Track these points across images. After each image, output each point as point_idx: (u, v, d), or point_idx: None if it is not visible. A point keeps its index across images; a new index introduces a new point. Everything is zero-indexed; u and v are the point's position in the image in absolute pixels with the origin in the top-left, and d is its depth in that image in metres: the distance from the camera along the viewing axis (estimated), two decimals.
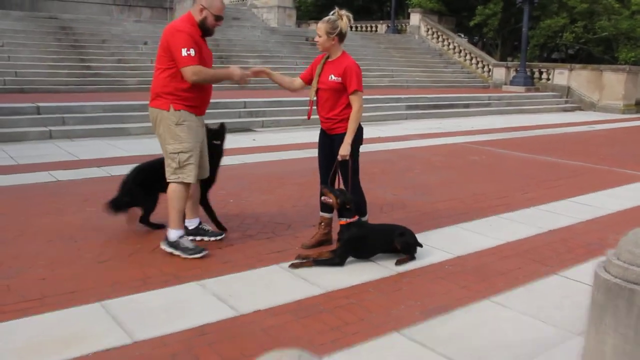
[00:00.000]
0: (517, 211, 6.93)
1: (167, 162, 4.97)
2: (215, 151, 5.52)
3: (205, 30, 4.93)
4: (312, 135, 12.30)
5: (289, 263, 4.90)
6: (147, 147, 10.01)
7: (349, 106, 5.16)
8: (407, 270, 4.91)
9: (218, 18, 4.95)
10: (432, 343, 3.70)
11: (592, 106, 21.02)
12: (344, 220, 4.96)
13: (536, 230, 6.19)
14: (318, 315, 4.01)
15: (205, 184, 5.55)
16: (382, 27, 31.53)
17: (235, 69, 5.03)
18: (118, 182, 5.98)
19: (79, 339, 3.58)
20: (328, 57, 5.25)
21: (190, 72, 4.70)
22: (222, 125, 5.65)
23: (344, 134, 5.17)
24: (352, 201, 5.03)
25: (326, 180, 5.45)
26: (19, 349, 3.46)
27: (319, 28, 5.12)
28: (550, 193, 7.92)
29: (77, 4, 27.70)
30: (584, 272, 5.03)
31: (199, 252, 4.95)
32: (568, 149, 11.99)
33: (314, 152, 10.29)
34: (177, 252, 4.95)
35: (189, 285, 4.42)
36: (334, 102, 5.19)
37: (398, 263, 5.00)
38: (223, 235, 5.48)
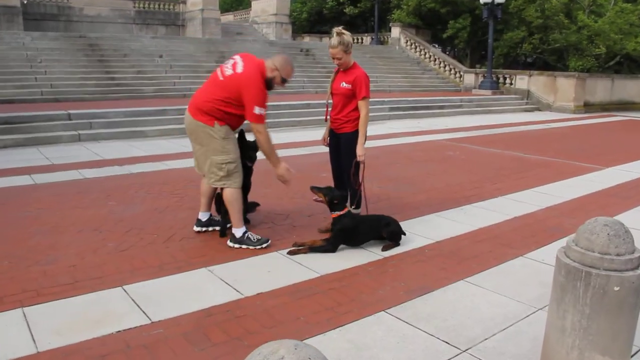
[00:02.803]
0: (488, 200, 6.84)
1: (212, 170, 4.81)
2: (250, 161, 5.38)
3: (270, 86, 4.80)
4: (308, 135, 12.35)
5: (287, 250, 4.81)
6: (161, 147, 9.96)
7: (355, 110, 5.18)
8: (392, 254, 4.82)
9: (284, 81, 4.86)
10: (415, 321, 3.62)
11: (548, 107, 20.92)
12: (335, 214, 4.86)
13: (504, 217, 6.10)
14: (313, 296, 3.92)
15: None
16: (367, 39, 31.35)
17: (284, 168, 4.96)
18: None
19: (106, 319, 3.49)
20: (339, 66, 5.21)
21: (256, 129, 4.66)
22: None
23: (349, 133, 5.22)
24: (340, 196, 4.93)
25: (338, 173, 5.45)
26: (56, 326, 3.39)
27: (336, 52, 5.04)
28: (516, 184, 7.84)
29: (103, 24, 27.52)
30: (546, 254, 4.97)
31: (266, 242, 4.89)
32: (530, 145, 11.90)
33: (310, 150, 10.22)
34: (245, 247, 4.84)
35: (198, 271, 4.31)
36: (343, 106, 5.21)
37: (384, 249, 4.91)
38: (228, 226, 5.37)
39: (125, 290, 3.91)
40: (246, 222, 5.51)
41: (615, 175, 8.71)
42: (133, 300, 3.76)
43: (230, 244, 4.89)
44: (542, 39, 24.60)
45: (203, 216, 5.31)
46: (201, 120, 4.73)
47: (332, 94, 5.33)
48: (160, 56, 17.64)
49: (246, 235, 4.89)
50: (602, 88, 21.79)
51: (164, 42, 19.38)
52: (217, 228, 5.29)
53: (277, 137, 11.41)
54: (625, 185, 8.02)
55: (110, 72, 15.96)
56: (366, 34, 32.09)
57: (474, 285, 4.25)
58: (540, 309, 3.87)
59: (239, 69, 4.66)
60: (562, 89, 20.62)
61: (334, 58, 5.09)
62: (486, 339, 3.43)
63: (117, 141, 10.65)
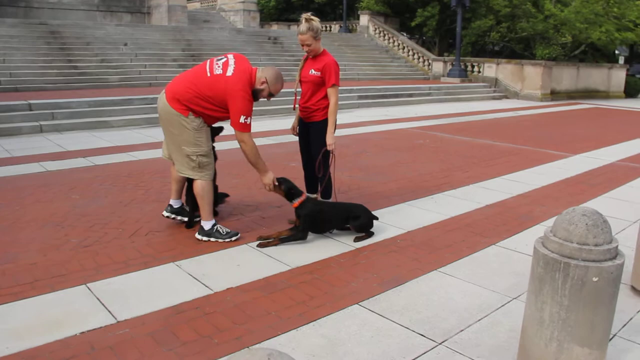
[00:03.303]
0: (458, 188, 6.83)
1: (183, 160, 4.66)
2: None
3: (255, 97, 4.65)
4: (276, 124, 12.22)
5: (256, 243, 4.70)
6: (127, 138, 9.71)
7: (324, 98, 5.08)
8: (363, 245, 4.75)
9: (271, 95, 4.72)
10: (389, 313, 3.56)
11: (516, 95, 21.13)
12: (296, 202, 4.77)
13: (475, 205, 6.09)
14: (285, 290, 3.82)
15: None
16: (335, 27, 31.18)
17: (270, 177, 4.79)
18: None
19: (69, 320, 3.33)
20: (308, 53, 5.08)
21: (241, 138, 4.55)
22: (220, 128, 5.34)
23: (318, 122, 5.12)
24: (290, 184, 4.86)
25: (308, 162, 5.36)
26: (15, 329, 3.21)
27: (305, 39, 4.92)
28: (487, 171, 7.85)
29: (65, 11, 26.70)
30: (518, 242, 4.97)
31: (235, 235, 4.76)
32: (499, 133, 11.96)
33: (278, 139, 10.10)
34: (213, 239, 4.71)
35: (166, 266, 4.17)
36: (312, 94, 5.10)
37: (356, 240, 4.83)
38: (198, 218, 5.22)
39: (89, 288, 3.75)
40: (215, 214, 5.39)
41: (583, 163, 8.80)
42: (97, 298, 3.61)
43: (199, 237, 4.75)
44: (509, 28, 24.83)
45: (175, 203, 5.16)
46: (175, 108, 4.55)
47: (300, 81, 5.20)
48: (125, 44, 17.20)
49: (215, 227, 4.77)
50: (568, 76, 22.10)
51: (128, 30, 18.90)
52: (185, 219, 5.14)
53: None
54: (593, 172, 8.11)
55: (72, 60, 15.50)
56: (334, 22, 31.92)
57: (447, 275, 4.21)
58: (515, 298, 3.85)
59: (229, 71, 4.49)
60: (529, 77, 20.84)
61: (303, 45, 4.98)
62: (462, 330, 3.39)
63: (81, 132, 10.34)
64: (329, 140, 5.02)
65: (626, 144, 10.98)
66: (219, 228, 4.77)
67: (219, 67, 4.55)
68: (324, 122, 5.06)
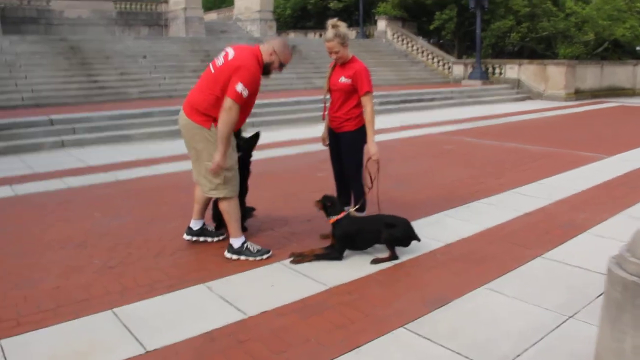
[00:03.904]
0: (494, 196, 6.51)
1: (207, 176, 4.39)
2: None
3: (267, 72, 4.40)
4: (300, 132, 11.97)
5: (290, 259, 4.45)
6: (148, 151, 9.53)
7: (356, 107, 4.82)
8: (402, 261, 4.46)
9: (282, 66, 4.46)
10: (437, 337, 3.27)
11: (539, 95, 20.68)
12: (333, 218, 4.49)
13: (514, 214, 5.77)
14: (323, 313, 3.55)
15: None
16: (352, 33, 30.95)
17: (225, 161, 4.27)
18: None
19: (95, 351, 3.11)
20: (336, 60, 4.85)
21: (228, 105, 4.14)
22: (256, 134, 5.11)
23: (350, 132, 4.87)
24: (332, 198, 4.58)
25: (340, 174, 5.12)
26: None
27: (332, 46, 4.70)
28: (520, 177, 7.51)
29: (84, 26, 26.93)
30: (565, 253, 4.65)
31: (266, 253, 4.51)
32: (527, 135, 11.59)
33: (304, 148, 9.86)
34: (244, 257, 4.46)
35: (195, 289, 3.93)
36: (343, 102, 4.84)
37: (374, 262, 4.39)
38: (224, 236, 4.99)
39: (115, 314, 3.52)
40: (244, 230, 5.15)
41: (620, 164, 8.41)
42: (124, 325, 3.38)
43: (228, 255, 4.51)
44: (529, 28, 24.35)
45: (195, 224, 4.92)
46: (197, 121, 4.32)
47: (329, 90, 4.95)
48: (144, 57, 17.14)
49: (245, 245, 4.52)
50: (591, 75, 21.56)
51: (147, 42, 18.86)
52: (209, 239, 4.90)
53: (268, 136, 11.05)
54: (631, 175, 7.73)
55: (92, 74, 15.45)
56: (351, 28, 31.59)
57: (494, 292, 3.91)
58: (570, 317, 3.54)
59: (231, 57, 4.27)
60: (552, 77, 20.38)
61: (331, 52, 4.73)
62: (518, 356, 3.09)
63: (102, 146, 10.21)
64: (372, 149, 4.76)
65: None
66: (249, 246, 4.52)
67: (220, 59, 4.34)
68: (356, 132, 4.80)
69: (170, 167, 8.13)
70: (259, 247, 4.53)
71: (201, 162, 4.42)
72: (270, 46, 4.35)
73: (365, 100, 4.77)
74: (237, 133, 4.76)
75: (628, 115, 16.17)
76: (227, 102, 4.13)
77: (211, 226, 5.06)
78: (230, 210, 4.48)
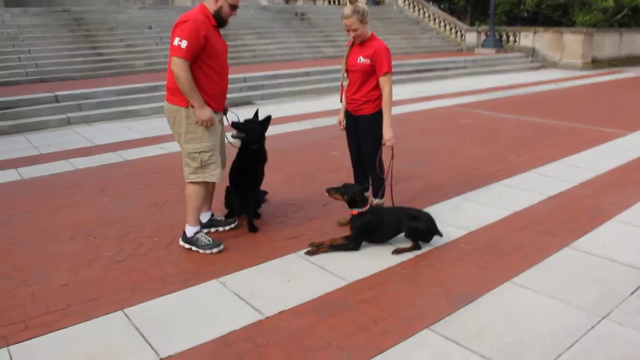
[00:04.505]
0: (515, 177, 6.29)
1: (185, 161, 4.25)
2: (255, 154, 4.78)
3: (220, 20, 4.17)
4: (309, 105, 11.74)
5: (305, 250, 4.28)
6: (155, 128, 9.32)
7: (375, 88, 4.56)
8: (424, 252, 4.29)
9: (233, 7, 4.19)
10: (465, 339, 3.11)
11: (554, 64, 20.22)
12: (356, 210, 4.29)
13: (537, 197, 5.57)
14: (344, 312, 3.40)
15: (248, 183, 4.80)
16: (362, 0, 30.28)
17: (206, 114, 4.07)
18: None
19: (106, 356, 2.98)
20: (354, 39, 4.58)
21: (173, 63, 3.91)
22: (267, 118, 4.80)
23: (368, 115, 4.62)
24: (360, 192, 4.36)
25: (358, 159, 4.88)
26: None
27: (350, 23, 4.41)
28: (541, 155, 7.28)
29: None
30: (593, 243, 4.47)
31: (216, 247, 4.31)
32: (545, 108, 11.27)
33: (314, 123, 9.63)
34: (194, 248, 4.31)
35: (209, 285, 3.78)
36: (361, 84, 4.59)
37: (396, 252, 4.25)
38: (235, 223, 4.83)
39: (126, 315, 3.38)
40: (257, 216, 5.00)
41: None
42: (136, 328, 3.24)
43: (181, 243, 4.38)
44: None
45: (203, 217, 4.75)
46: (173, 102, 4.12)
47: (347, 70, 4.70)
48: (150, 28, 16.79)
49: (197, 236, 4.34)
50: (610, 43, 21.01)
51: (152, 12, 18.47)
52: (220, 229, 4.75)
53: (278, 109, 10.90)
54: None
55: (97, 47, 15.15)
56: None
57: (522, 287, 3.74)
58: (604, 317, 3.37)
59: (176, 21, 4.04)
60: (569, 45, 19.87)
61: (348, 30, 4.47)
62: None
63: (109, 123, 10.02)
64: (387, 135, 4.52)
65: None
66: (200, 237, 4.34)
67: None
68: (375, 115, 4.56)
69: (177, 145, 7.91)
70: (209, 241, 4.33)
71: (181, 144, 4.25)
72: None
73: (383, 81, 4.52)
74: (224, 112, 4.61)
75: None
76: (172, 61, 3.92)
77: (220, 215, 4.90)
78: (193, 197, 4.31)
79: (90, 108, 10.43)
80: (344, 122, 4.89)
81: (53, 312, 3.42)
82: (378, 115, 4.56)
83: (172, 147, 7.81)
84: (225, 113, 4.66)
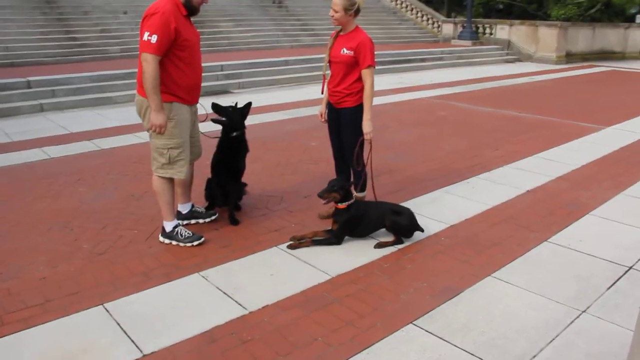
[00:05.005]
0: (493, 171, 6.35)
1: (153, 155, 4.16)
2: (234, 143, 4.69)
3: (191, 9, 4.06)
4: (288, 95, 11.69)
5: (287, 244, 4.26)
6: (132, 116, 8.95)
7: (357, 80, 4.50)
8: (406, 246, 4.30)
9: None
10: (449, 335, 3.14)
11: (529, 57, 20.43)
12: (344, 204, 4.27)
13: (515, 191, 5.63)
14: (329, 307, 3.39)
15: (229, 175, 4.74)
16: None
17: (161, 119, 3.92)
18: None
19: (88, 354, 2.92)
20: (340, 31, 4.53)
21: (143, 58, 3.78)
22: (247, 104, 4.73)
23: (351, 108, 4.57)
24: (350, 183, 4.36)
25: (340, 152, 4.83)
26: None
27: (336, 3, 4.35)
28: (518, 149, 7.36)
29: None
30: (571, 237, 4.55)
31: (197, 240, 4.25)
32: (521, 102, 11.39)
33: (293, 114, 9.57)
34: (175, 243, 4.24)
35: (191, 278, 3.74)
36: (344, 76, 4.53)
37: (378, 246, 4.26)
38: (216, 215, 4.77)
39: (107, 310, 3.32)
40: (237, 209, 4.95)
41: (617, 137, 8.29)
42: (118, 323, 3.19)
43: (161, 239, 4.31)
44: None
45: (183, 208, 4.70)
46: (144, 95, 3.97)
47: (330, 62, 4.66)
48: (125, 12, 16.46)
49: (176, 230, 4.28)
50: (583, 37, 21.29)
51: None
52: (201, 221, 4.69)
53: (256, 97, 10.78)
54: (630, 148, 7.62)
55: (71, 31, 14.80)
56: None
57: (503, 282, 3.78)
58: (584, 311, 3.43)
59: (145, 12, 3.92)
60: (544, 39, 20.09)
61: (332, 9, 4.41)
62: (534, 356, 2.97)
63: (84, 110, 9.81)
64: (366, 128, 4.49)
65: None
66: (180, 231, 4.28)
67: None
68: (358, 108, 4.53)
69: None
70: (189, 234, 4.28)
71: (150, 138, 4.16)
72: None
73: (366, 74, 4.49)
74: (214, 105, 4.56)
75: (621, 81, 16.03)
76: (141, 56, 3.81)
77: (201, 207, 4.85)
78: (161, 192, 4.23)
79: (64, 94, 10.20)
80: (326, 114, 4.86)
81: (31, 307, 3.34)
82: (361, 108, 4.53)
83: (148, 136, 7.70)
84: (213, 103, 4.61)
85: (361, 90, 4.54)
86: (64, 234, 4.45)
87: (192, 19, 4.19)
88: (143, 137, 7.67)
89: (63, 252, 4.10)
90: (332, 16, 4.44)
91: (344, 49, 4.47)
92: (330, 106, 4.79)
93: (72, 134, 7.89)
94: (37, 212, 4.90)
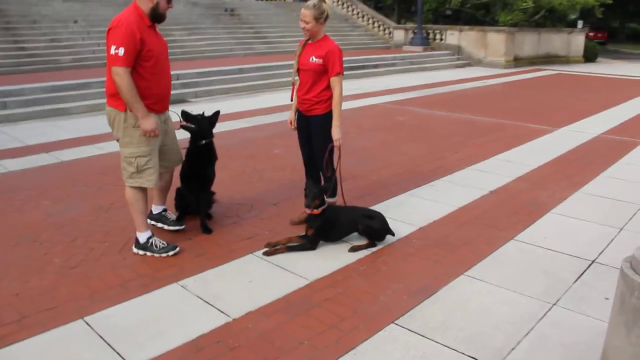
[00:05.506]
0: (455, 173, 6.54)
1: (122, 165, 4.14)
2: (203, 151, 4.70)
3: (157, 17, 4.06)
4: (245, 103, 11.70)
5: (262, 251, 4.30)
6: (89, 127, 9.02)
7: (327, 88, 4.58)
8: (379, 249, 4.40)
9: (169, 0, 4.14)
10: (430, 332, 3.24)
11: (479, 62, 21.03)
12: (318, 210, 4.32)
13: (479, 192, 5.82)
14: (311, 311, 3.45)
15: (199, 183, 4.73)
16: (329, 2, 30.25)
17: (151, 124, 3.98)
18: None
19: None
20: (309, 39, 4.59)
21: (113, 72, 3.81)
22: (215, 113, 4.77)
23: (320, 115, 4.64)
24: (327, 188, 4.45)
25: (310, 159, 4.89)
26: None
27: (305, 15, 4.41)
28: (477, 152, 7.59)
29: None
30: (535, 236, 4.75)
31: (172, 250, 4.23)
32: (474, 105, 11.73)
33: (252, 121, 9.59)
34: (149, 254, 4.21)
35: (170, 288, 3.72)
36: (313, 84, 4.59)
37: (352, 250, 4.35)
38: (183, 227, 4.71)
39: (88, 324, 3.28)
40: (208, 217, 4.95)
41: (568, 137, 8.65)
42: (101, 336, 3.15)
43: (135, 251, 4.28)
44: None
45: (155, 209, 4.71)
46: (112, 105, 4.00)
47: (298, 69, 4.73)
48: (75, 21, 16.13)
49: (150, 241, 4.27)
50: (529, 42, 22.07)
51: (77, 5, 17.70)
52: (165, 227, 4.68)
53: (213, 106, 10.67)
54: (582, 148, 7.96)
55: (19, 41, 14.39)
56: None
57: (476, 280, 3.92)
58: (554, 304, 3.60)
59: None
60: (492, 44, 20.73)
61: (301, 21, 4.49)
62: (513, 349, 3.10)
63: (38, 121, 9.56)
64: (336, 135, 4.58)
65: (602, 115, 10.90)
66: (154, 242, 4.27)
67: None
68: (327, 116, 4.61)
69: (114, 145, 7.64)
70: (164, 244, 4.27)
71: (121, 148, 4.16)
72: None
73: (334, 81, 4.57)
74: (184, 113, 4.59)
75: (566, 84, 16.68)
76: (112, 70, 3.84)
77: (173, 215, 4.82)
78: (133, 202, 4.21)
79: (16, 106, 9.91)
80: (295, 122, 4.92)
81: (6, 325, 3.25)
82: (330, 115, 4.61)
83: (110, 147, 7.56)
84: (183, 111, 4.63)
85: (330, 97, 4.62)
86: (33, 248, 4.35)
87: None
88: (104, 148, 7.59)
89: (34, 266, 4.02)
90: (304, 28, 4.50)
91: (313, 57, 4.55)
92: (299, 113, 4.85)
93: (28, 147, 7.69)
94: (1, 227, 4.77)
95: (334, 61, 4.51)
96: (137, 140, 4.04)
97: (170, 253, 4.22)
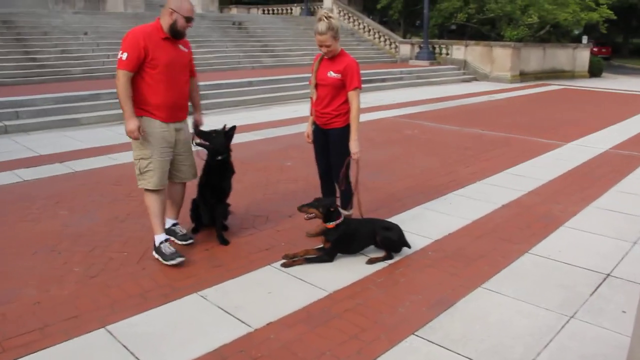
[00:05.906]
0: (467, 187, 6.57)
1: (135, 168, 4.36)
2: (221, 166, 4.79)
3: (176, 33, 4.21)
4: (255, 115, 11.76)
5: (281, 262, 4.32)
6: (101, 137, 9.10)
7: (345, 102, 4.64)
8: (396, 261, 4.42)
9: (188, 19, 4.22)
10: (451, 344, 3.25)
11: (485, 77, 21.11)
12: (332, 224, 4.35)
13: (492, 206, 5.84)
14: (331, 322, 3.47)
15: (215, 196, 4.78)
16: (296, 10, 30.57)
17: (133, 125, 4.08)
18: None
19: None
20: (325, 54, 4.63)
21: (116, 74, 4.08)
22: (232, 128, 4.86)
23: (339, 128, 4.71)
24: (334, 203, 4.47)
25: (326, 172, 4.92)
26: None
27: (324, 39, 4.45)
28: (488, 166, 7.62)
29: None
30: (550, 249, 4.75)
31: (179, 258, 4.25)
32: (483, 120, 11.78)
33: (264, 134, 9.64)
34: (161, 258, 4.30)
35: (190, 298, 3.75)
36: (332, 98, 4.65)
37: (370, 262, 4.37)
38: (192, 241, 4.72)
39: (110, 332, 3.31)
40: (224, 229, 4.98)
41: (578, 152, 8.67)
42: (124, 345, 3.18)
43: (153, 254, 4.37)
44: (477, 9, 24.71)
45: (166, 222, 4.70)
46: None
47: (316, 85, 4.77)
48: (85, 33, 16.29)
49: (161, 245, 4.34)
50: (535, 57, 22.17)
51: (87, 17, 17.91)
52: (176, 242, 4.67)
53: (223, 119, 10.78)
54: (592, 163, 7.99)
55: (30, 52, 14.54)
56: (295, 4, 31.26)
57: (493, 292, 3.93)
58: (572, 317, 3.61)
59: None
60: (498, 59, 20.82)
61: (321, 46, 4.54)
62: None
63: (50, 132, 9.65)
64: (354, 148, 4.63)
65: (611, 130, 10.94)
66: (163, 248, 4.32)
67: None
68: (346, 129, 4.67)
69: (128, 155, 7.72)
70: (172, 251, 4.30)
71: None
72: (167, 8, 4.17)
73: (352, 95, 4.63)
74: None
75: (573, 99, 16.72)
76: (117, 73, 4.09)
77: (183, 229, 4.82)
78: (148, 204, 4.38)
79: (29, 116, 10.00)
80: (312, 135, 4.96)
81: (29, 333, 3.28)
82: (348, 129, 4.68)
83: (123, 157, 7.64)
84: (196, 128, 4.68)
85: (348, 111, 4.67)
86: (51, 257, 4.38)
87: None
88: (117, 158, 7.64)
89: (54, 275, 4.05)
90: (325, 51, 4.55)
91: (331, 72, 4.60)
92: (316, 127, 4.90)
93: (41, 156, 7.75)
94: (20, 236, 4.81)
95: (353, 75, 4.57)
96: (139, 144, 4.23)
97: (175, 261, 4.22)
